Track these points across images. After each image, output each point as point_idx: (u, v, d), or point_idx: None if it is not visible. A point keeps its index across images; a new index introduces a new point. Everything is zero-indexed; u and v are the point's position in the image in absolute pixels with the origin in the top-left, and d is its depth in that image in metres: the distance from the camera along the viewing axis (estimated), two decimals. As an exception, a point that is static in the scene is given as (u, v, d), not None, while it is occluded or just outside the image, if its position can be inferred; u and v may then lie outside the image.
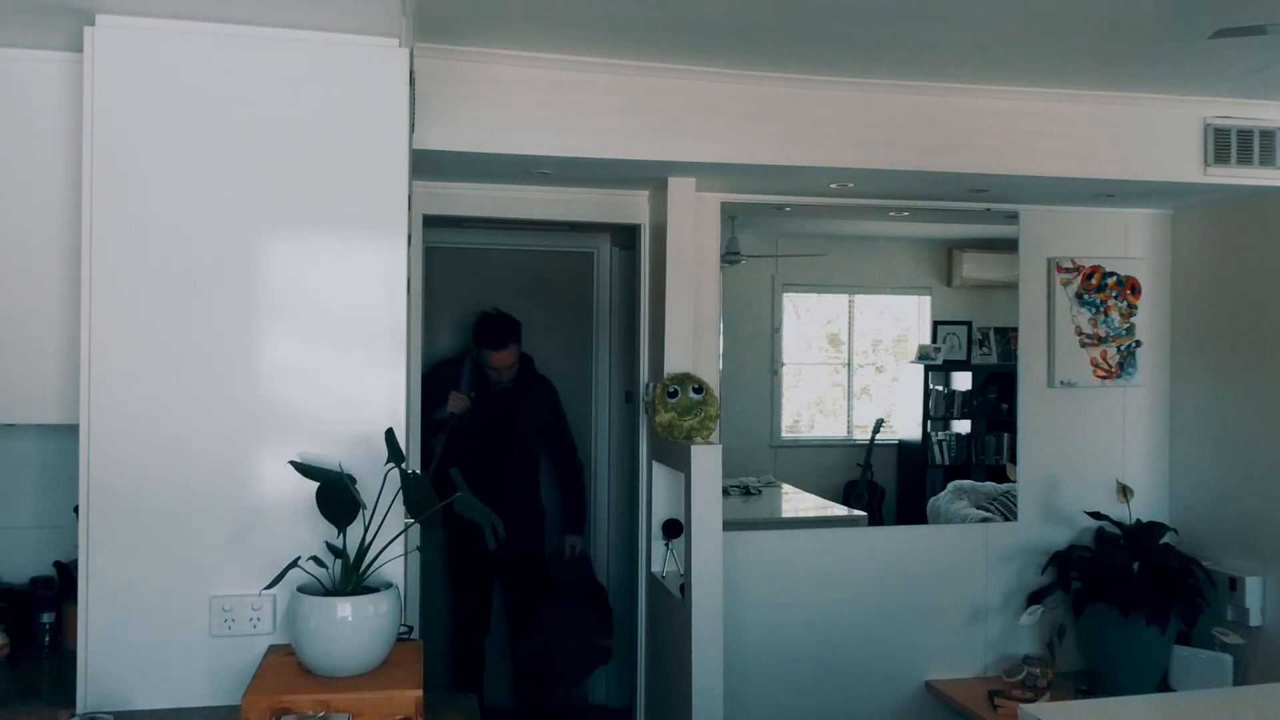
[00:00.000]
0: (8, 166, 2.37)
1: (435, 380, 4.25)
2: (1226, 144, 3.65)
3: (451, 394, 4.27)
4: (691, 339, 3.75)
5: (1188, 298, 4.31)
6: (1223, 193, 3.92)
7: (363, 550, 2.10)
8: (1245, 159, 3.66)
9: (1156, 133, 3.65)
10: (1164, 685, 3.94)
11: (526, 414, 4.47)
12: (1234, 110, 3.67)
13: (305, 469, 2.14)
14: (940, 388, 4.57)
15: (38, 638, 2.71)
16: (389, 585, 2.12)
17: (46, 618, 2.73)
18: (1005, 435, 4.39)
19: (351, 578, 2.09)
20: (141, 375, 2.20)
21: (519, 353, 4.40)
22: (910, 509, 4.51)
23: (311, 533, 2.20)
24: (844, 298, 4.62)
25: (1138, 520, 4.16)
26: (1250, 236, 3.99)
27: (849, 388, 4.64)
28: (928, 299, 4.57)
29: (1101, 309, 4.30)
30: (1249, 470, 3.98)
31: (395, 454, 2.14)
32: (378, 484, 2.18)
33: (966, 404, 4.58)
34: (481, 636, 4.50)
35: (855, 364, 4.63)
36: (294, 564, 2.08)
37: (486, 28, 2.93)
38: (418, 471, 2.17)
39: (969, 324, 4.51)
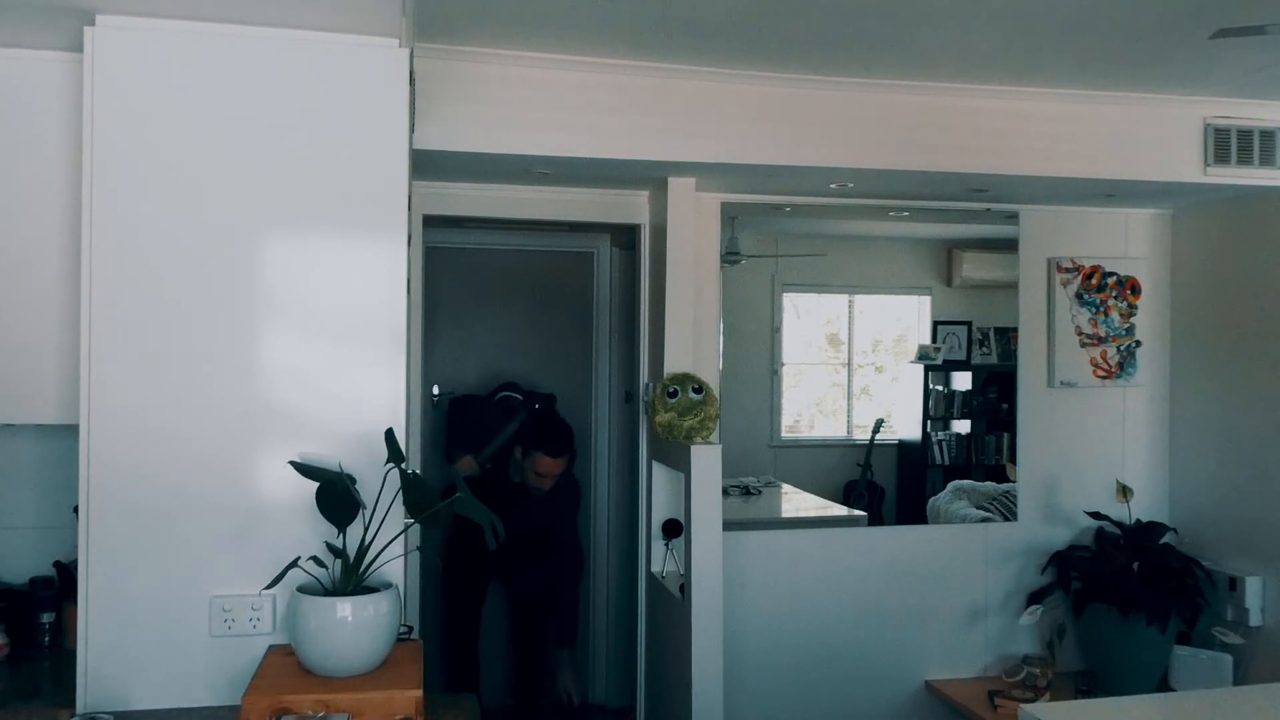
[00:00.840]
0: (7, 166, 2.37)
1: (468, 417, 4.20)
2: (1226, 144, 3.65)
3: (466, 457, 4.13)
4: (691, 339, 3.74)
5: (1188, 298, 4.31)
6: (1223, 193, 3.92)
7: (363, 550, 2.10)
8: (1245, 159, 3.66)
9: (1156, 133, 3.65)
10: (1164, 685, 3.94)
11: (538, 516, 4.15)
12: (1234, 110, 3.68)
13: (305, 469, 2.14)
14: (940, 388, 4.57)
15: (38, 638, 2.71)
16: (389, 585, 2.12)
17: (46, 618, 2.73)
18: (1005, 435, 4.39)
19: (351, 578, 2.09)
20: (141, 375, 2.20)
21: (567, 465, 4.08)
22: (910, 509, 4.50)
23: (311, 533, 2.20)
24: (844, 298, 4.61)
25: (1138, 520, 4.16)
26: (1250, 236, 3.99)
27: (849, 388, 4.64)
28: (928, 299, 4.57)
29: (1101, 309, 4.30)
30: (1249, 470, 3.98)
31: (395, 454, 2.14)
32: (378, 484, 2.18)
33: (966, 404, 4.58)
34: (474, 641, 4.49)
35: (855, 364, 4.62)
36: (294, 564, 2.08)
37: (486, 28, 2.93)
38: (417, 472, 2.17)
39: (969, 324, 4.50)
